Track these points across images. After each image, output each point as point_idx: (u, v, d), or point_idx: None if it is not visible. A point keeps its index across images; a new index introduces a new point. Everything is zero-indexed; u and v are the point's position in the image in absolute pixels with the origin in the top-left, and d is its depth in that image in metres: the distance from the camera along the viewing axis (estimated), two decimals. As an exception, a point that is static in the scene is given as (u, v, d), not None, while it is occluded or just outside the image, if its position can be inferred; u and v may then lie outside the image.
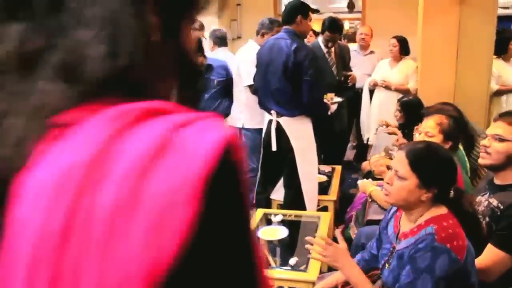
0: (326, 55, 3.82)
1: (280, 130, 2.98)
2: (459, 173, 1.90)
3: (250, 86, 3.42)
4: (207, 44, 4.78)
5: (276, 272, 2.13)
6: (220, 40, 4.09)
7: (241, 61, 3.53)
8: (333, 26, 3.73)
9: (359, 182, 2.78)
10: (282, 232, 2.46)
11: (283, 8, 8.13)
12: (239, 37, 7.72)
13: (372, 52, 4.79)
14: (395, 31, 4.41)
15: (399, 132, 3.42)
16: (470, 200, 1.71)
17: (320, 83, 2.97)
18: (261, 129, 3.30)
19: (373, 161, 3.06)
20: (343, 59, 3.96)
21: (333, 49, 3.86)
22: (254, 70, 3.21)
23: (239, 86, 3.57)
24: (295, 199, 3.01)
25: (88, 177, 0.32)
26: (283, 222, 2.60)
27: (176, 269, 0.32)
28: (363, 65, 4.49)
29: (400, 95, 3.81)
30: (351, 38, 7.22)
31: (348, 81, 3.83)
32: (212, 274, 0.35)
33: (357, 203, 3.03)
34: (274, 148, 3.01)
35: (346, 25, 10.06)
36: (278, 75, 2.86)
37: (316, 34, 4.35)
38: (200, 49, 3.72)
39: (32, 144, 0.35)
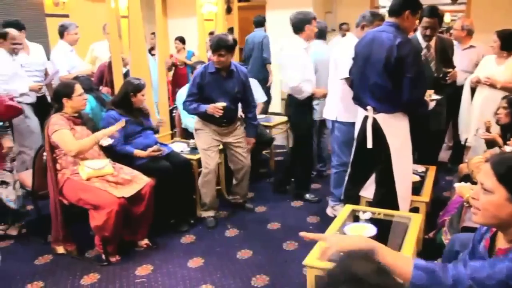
0: (425, 50, 3.63)
1: (376, 126, 2.89)
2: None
3: (346, 79, 3.36)
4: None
5: (361, 271, 2.09)
6: (319, 32, 4.06)
7: (339, 54, 3.48)
8: (431, 11, 3.50)
9: (456, 185, 2.63)
10: (370, 230, 2.41)
11: (380, 1, 7.91)
12: (333, 30, 7.61)
13: (472, 46, 4.48)
14: (503, 24, 4.09)
15: (500, 140, 3.18)
16: None
17: (422, 81, 2.82)
18: (354, 123, 3.24)
19: (473, 163, 2.88)
20: (444, 54, 3.72)
21: (433, 43, 3.65)
22: (351, 63, 3.16)
23: (335, 78, 3.53)
24: (386, 198, 2.92)
25: None
26: (371, 220, 2.54)
27: None
28: (461, 61, 4.19)
29: (506, 94, 3.55)
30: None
31: (447, 78, 3.61)
32: None
33: (451, 207, 2.87)
34: (370, 145, 2.94)
35: (447, 18, 9.52)
36: (378, 69, 2.77)
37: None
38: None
39: None
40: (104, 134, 3.18)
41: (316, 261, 2.17)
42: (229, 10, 6.37)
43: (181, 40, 7.16)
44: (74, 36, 4.89)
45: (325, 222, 3.53)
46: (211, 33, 6.12)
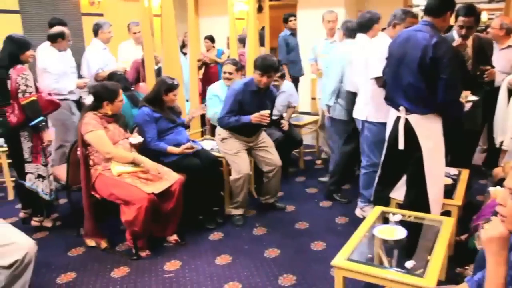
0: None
1: (408, 127, 2.84)
2: None
3: (377, 79, 3.31)
4: (337, 34, 4.80)
5: (389, 273, 2.07)
6: (351, 32, 4.02)
7: (370, 53, 3.43)
8: (468, 10, 3.37)
9: (491, 189, 2.56)
10: (400, 233, 2.37)
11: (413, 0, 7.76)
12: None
13: (510, 46, 4.34)
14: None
15: None
16: None
17: (458, 82, 2.74)
18: (385, 124, 3.19)
19: (510, 166, 2.79)
20: (482, 53, 3.61)
21: (470, 42, 3.55)
22: (383, 62, 3.11)
23: (365, 78, 3.49)
24: (416, 200, 2.87)
25: None
26: (401, 223, 2.50)
27: None
28: (498, 61, 4.05)
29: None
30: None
31: (485, 76, 3.49)
32: None
33: (485, 212, 2.79)
34: (401, 146, 2.89)
35: (485, 16, 9.26)
36: (412, 69, 2.73)
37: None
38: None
39: None
40: (148, 163, 3.21)
41: (345, 262, 2.16)
42: (260, 9, 6.35)
43: (211, 39, 7.22)
44: (107, 35, 5.00)
45: (353, 223, 3.50)
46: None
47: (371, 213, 2.76)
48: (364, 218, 2.89)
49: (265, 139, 3.86)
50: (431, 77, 2.67)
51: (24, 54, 3.43)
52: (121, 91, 3.29)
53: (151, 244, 3.25)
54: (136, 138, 3.32)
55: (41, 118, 3.40)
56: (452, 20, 3.25)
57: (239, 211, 3.71)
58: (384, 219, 2.63)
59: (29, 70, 3.42)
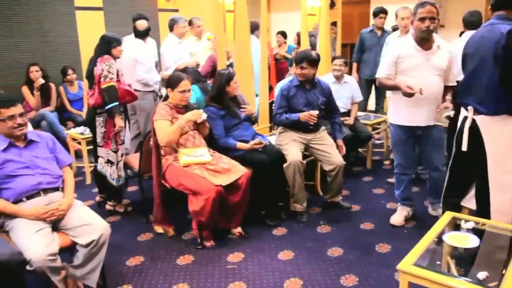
0: None
1: (474, 129, 2.69)
2: None
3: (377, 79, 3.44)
4: (411, 32, 4.62)
5: (459, 283, 1.98)
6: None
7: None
8: None
9: None
10: (472, 241, 2.26)
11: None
12: (442, 26, 7.18)
13: None
14: None
15: None
16: None
17: None
18: (399, 126, 3.36)
19: None
20: None
21: None
22: (388, 63, 3.31)
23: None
24: (480, 209, 2.72)
25: None
26: (473, 231, 2.38)
27: None
28: None
29: None
30: None
31: None
32: None
33: None
34: (464, 148, 2.75)
35: None
36: (485, 64, 2.58)
37: None
38: None
39: None
40: (185, 120, 3.28)
41: (411, 267, 2.09)
42: (332, 5, 6.28)
43: (283, 34, 7.24)
44: (182, 30, 5.17)
45: (420, 227, 3.40)
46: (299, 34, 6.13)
47: (441, 218, 2.64)
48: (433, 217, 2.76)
49: (325, 137, 3.83)
50: (504, 70, 2.49)
51: (115, 49, 3.67)
52: (185, 81, 3.36)
53: (215, 235, 3.34)
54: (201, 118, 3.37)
55: (116, 103, 3.60)
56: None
57: (303, 207, 3.70)
58: (455, 226, 2.51)
59: (115, 61, 3.64)
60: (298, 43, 6.77)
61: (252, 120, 3.85)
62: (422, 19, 3.10)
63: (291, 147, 3.66)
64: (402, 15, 4.95)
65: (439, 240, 2.33)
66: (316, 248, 3.24)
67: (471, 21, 4.07)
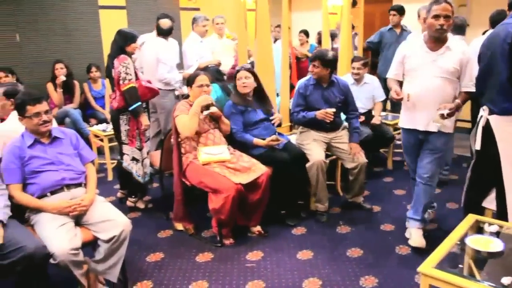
0: None
1: (488, 128, 2.65)
2: None
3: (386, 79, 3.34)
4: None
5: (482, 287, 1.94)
6: (459, 28, 3.82)
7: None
8: None
9: None
10: (496, 245, 2.21)
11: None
12: (467, 25, 7.03)
13: None
14: None
15: None
16: None
17: None
18: (407, 129, 3.23)
19: None
20: None
21: None
22: (397, 64, 3.22)
23: None
24: (503, 210, 2.67)
25: None
26: (497, 234, 2.33)
27: None
28: None
29: None
30: None
31: None
32: None
33: None
34: (478, 146, 2.75)
35: None
36: (495, 63, 2.55)
37: None
38: None
39: None
40: (198, 104, 3.29)
41: (432, 270, 2.06)
42: (354, 4, 6.21)
43: (306, 33, 7.23)
44: (202, 28, 5.21)
45: (442, 230, 3.37)
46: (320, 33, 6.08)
47: (463, 221, 2.60)
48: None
49: (346, 135, 3.82)
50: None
51: (130, 46, 3.69)
52: (201, 76, 3.43)
53: (235, 233, 3.35)
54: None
55: (139, 103, 3.64)
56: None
57: (324, 207, 3.69)
58: (479, 229, 2.47)
59: (131, 60, 3.67)
60: (319, 42, 6.73)
61: (269, 115, 3.84)
62: (436, 17, 2.89)
63: (314, 146, 3.65)
64: (425, 14, 4.86)
65: (462, 243, 2.29)
66: (336, 248, 3.23)
67: (497, 20, 3.99)
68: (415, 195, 3.27)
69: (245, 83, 3.60)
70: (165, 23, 4.75)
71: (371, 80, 4.80)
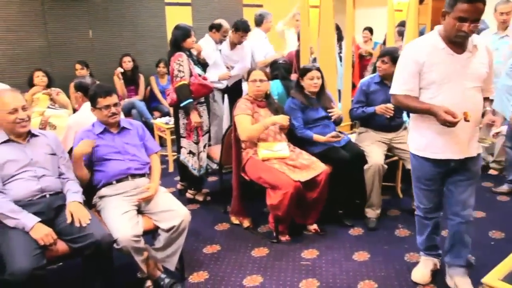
0: None
1: None
2: None
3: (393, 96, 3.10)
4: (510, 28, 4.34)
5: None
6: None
7: None
8: None
9: None
10: None
11: None
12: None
13: None
14: None
15: None
16: None
17: None
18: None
19: None
20: None
21: None
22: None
23: None
24: None
25: None
26: None
27: None
28: None
29: None
30: None
31: None
32: None
33: None
34: None
35: None
36: None
37: None
38: None
39: None
40: (272, 122, 3.34)
41: (499, 282, 1.96)
42: (421, 0, 5.99)
43: (370, 30, 7.08)
44: (269, 25, 5.24)
45: (510, 239, 3.17)
46: (400, 24, 5.87)
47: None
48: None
49: (407, 136, 3.66)
50: None
51: (186, 41, 3.77)
52: (255, 71, 3.48)
53: (291, 230, 3.35)
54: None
55: (190, 100, 3.72)
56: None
57: (375, 214, 3.57)
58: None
59: (187, 57, 3.73)
60: (401, 34, 6.56)
61: (336, 121, 3.79)
62: (463, 20, 2.17)
63: (374, 149, 3.57)
64: (502, 9, 4.59)
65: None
66: (393, 251, 3.14)
67: None
68: (452, 237, 2.65)
69: (317, 83, 3.60)
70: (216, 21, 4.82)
71: None
